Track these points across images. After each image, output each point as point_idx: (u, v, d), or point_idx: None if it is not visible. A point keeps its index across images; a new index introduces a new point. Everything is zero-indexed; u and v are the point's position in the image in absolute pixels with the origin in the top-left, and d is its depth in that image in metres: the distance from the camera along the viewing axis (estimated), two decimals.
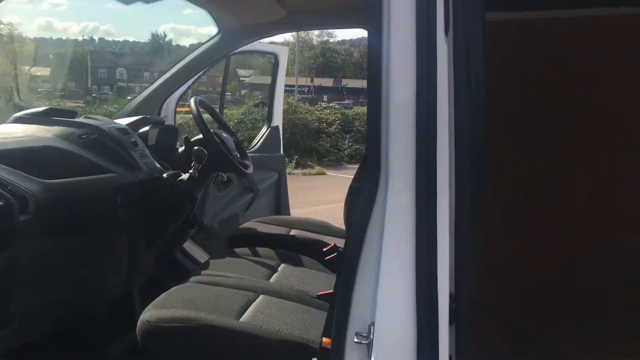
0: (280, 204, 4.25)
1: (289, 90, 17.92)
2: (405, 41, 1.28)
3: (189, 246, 3.51)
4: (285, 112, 16.16)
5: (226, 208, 3.83)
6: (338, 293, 1.39)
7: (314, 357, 1.66)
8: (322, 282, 2.22)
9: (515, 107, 2.23)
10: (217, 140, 2.74)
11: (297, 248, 2.61)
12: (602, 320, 2.46)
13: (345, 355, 1.35)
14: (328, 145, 19.47)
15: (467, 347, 1.30)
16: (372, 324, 1.30)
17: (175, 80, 3.28)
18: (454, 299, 1.29)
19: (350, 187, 2.42)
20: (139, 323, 1.77)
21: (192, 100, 2.79)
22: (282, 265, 2.40)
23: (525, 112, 2.29)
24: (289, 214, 4.33)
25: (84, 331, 2.31)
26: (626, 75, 2.88)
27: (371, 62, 1.32)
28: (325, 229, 3.02)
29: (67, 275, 2.02)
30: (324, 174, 15.71)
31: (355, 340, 1.31)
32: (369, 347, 1.30)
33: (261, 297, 1.98)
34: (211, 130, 2.76)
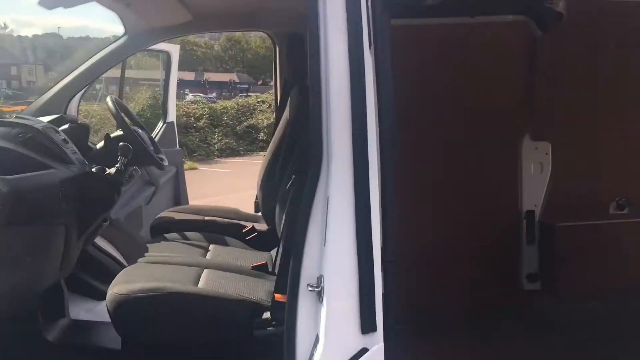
0: (180, 196, 4.47)
1: (154, 84, 17.60)
2: (340, 57, 1.66)
3: (98, 238, 3.66)
4: (152, 107, 15.88)
5: (130, 201, 3.99)
6: (292, 254, 1.73)
7: (265, 311, 2.01)
8: (250, 257, 2.55)
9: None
10: (138, 136, 2.94)
11: (221, 231, 2.90)
12: None
13: (299, 301, 1.71)
14: (197, 140, 19.44)
15: (393, 285, 1.71)
16: (321, 276, 1.67)
17: (82, 79, 3.40)
18: (383, 251, 1.70)
19: (266, 175, 2.77)
20: (108, 297, 1.99)
21: (109, 98, 2.97)
22: (212, 245, 2.69)
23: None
24: (187, 204, 4.56)
25: (21, 318, 2.44)
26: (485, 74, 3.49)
27: (314, 76, 1.68)
28: (236, 214, 3.33)
29: (16, 264, 2.16)
30: (196, 169, 15.71)
31: (309, 289, 1.67)
32: (320, 293, 1.66)
33: (206, 270, 2.27)
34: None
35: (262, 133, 21.89)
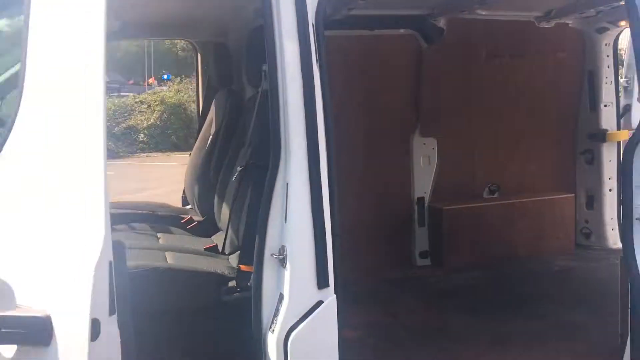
0: None
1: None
2: (294, 71, 2.07)
3: None
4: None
5: None
6: (257, 231, 2.12)
7: (230, 281, 2.37)
8: (197, 242, 2.89)
9: None
10: None
11: (164, 221, 3.19)
12: None
13: (264, 268, 2.10)
14: None
15: (339, 251, 2.15)
16: (283, 246, 2.07)
17: (7, 83, 3.50)
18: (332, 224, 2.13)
19: (201, 172, 3.11)
20: None
21: None
22: (159, 234, 2.98)
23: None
24: None
25: None
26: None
27: (272, 89, 2.07)
28: (168, 207, 3.62)
29: None
30: None
31: (274, 257, 2.07)
32: (284, 260, 2.06)
33: (167, 252, 2.58)
34: None
35: (142, 134, 21.47)
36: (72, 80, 1.70)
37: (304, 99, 2.07)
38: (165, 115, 22.52)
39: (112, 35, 3.67)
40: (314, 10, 2.12)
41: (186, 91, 25.20)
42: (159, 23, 3.58)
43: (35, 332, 1.47)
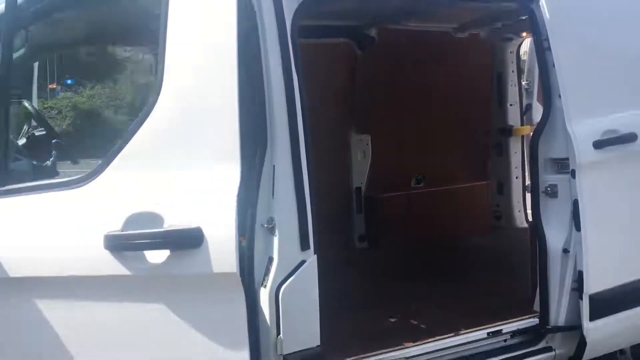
0: None
1: None
2: (278, 74, 2.54)
3: None
4: None
5: None
6: (249, 205, 2.56)
7: None
8: None
9: None
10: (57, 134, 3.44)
11: None
12: None
13: (256, 236, 2.54)
14: None
15: (316, 217, 2.63)
16: (272, 217, 2.53)
17: None
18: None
19: None
20: None
21: (26, 102, 3.42)
22: None
23: None
24: None
25: None
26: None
27: (258, 90, 2.53)
28: None
29: None
30: None
31: (265, 226, 2.52)
32: (273, 229, 2.52)
33: None
34: None
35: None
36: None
37: (286, 97, 2.55)
38: (78, 121, 22.00)
39: (90, 39, 3.96)
40: (290, 24, 2.61)
41: (99, 97, 24.55)
42: None
43: (188, 238, 2.18)
